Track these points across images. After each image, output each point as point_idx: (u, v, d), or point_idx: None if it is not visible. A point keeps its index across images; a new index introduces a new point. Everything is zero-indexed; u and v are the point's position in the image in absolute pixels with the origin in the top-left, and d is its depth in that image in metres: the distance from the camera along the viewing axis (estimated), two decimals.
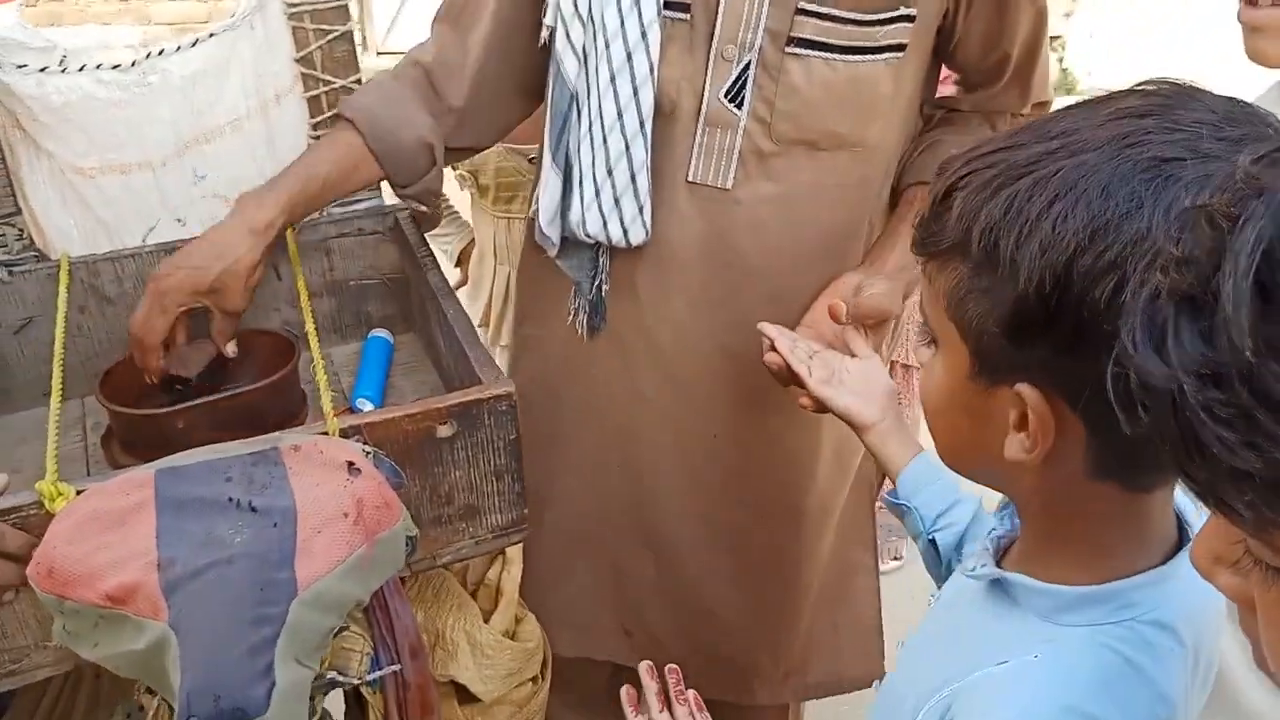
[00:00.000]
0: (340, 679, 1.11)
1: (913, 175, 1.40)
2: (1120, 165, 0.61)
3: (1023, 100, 1.43)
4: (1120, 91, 0.67)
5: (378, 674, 1.13)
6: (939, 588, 1.09)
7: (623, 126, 1.24)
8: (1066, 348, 0.63)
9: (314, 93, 1.47)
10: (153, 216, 1.44)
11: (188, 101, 1.38)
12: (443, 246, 2.45)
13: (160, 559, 0.90)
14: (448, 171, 2.35)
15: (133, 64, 1.30)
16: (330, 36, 1.44)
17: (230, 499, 0.95)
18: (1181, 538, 0.74)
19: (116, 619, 0.89)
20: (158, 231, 1.45)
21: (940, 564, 1.09)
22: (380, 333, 1.55)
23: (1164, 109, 0.62)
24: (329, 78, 1.46)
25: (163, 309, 1.25)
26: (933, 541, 1.09)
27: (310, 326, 1.28)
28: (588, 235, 1.31)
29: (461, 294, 2.42)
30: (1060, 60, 7.80)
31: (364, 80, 1.51)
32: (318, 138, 1.49)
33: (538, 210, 1.35)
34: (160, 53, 1.33)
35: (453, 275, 2.50)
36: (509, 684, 1.36)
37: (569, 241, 1.36)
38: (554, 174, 1.31)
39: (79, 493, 0.97)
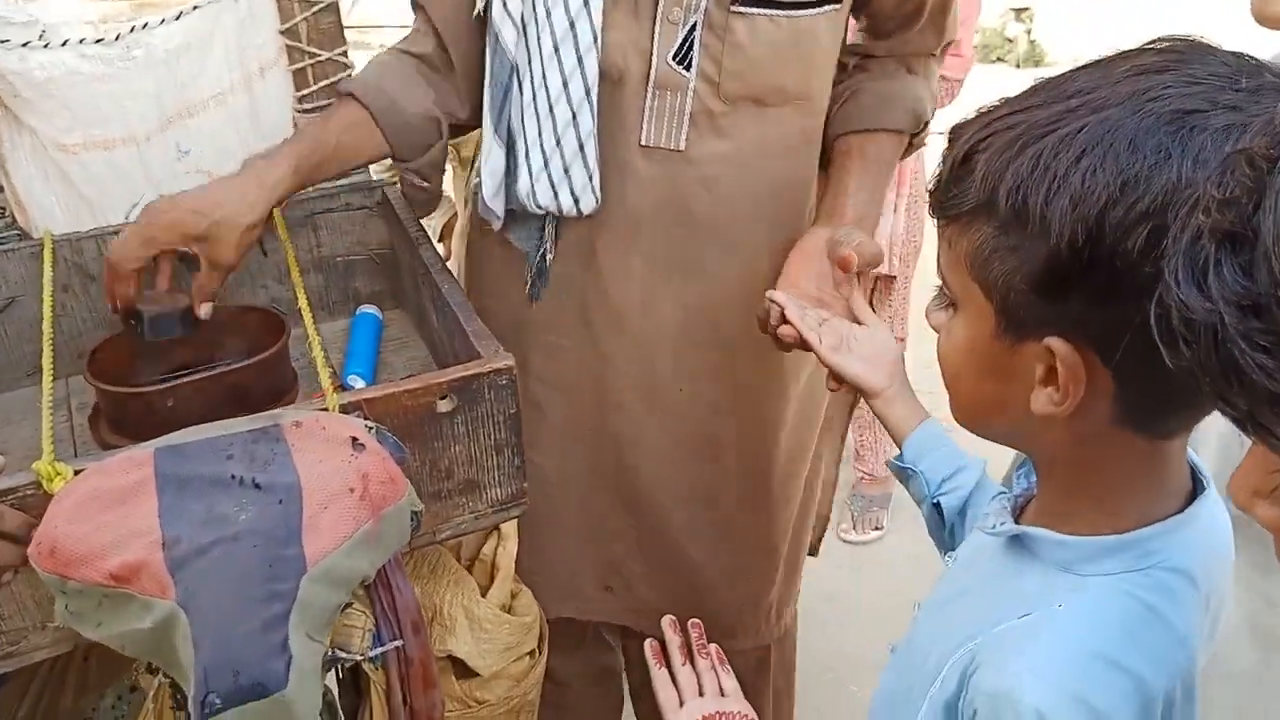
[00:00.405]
0: (343, 655, 1.11)
1: (841, 125, 1.41)
2: (1144, 119, 0.62)
3: (937, 41, 1.44)
4: (1131, 50, 0.68)
5: (381, 650, 1.13)
6: (941, 552, 1.11)
7: (568, 96, 1.23)
8: (1098, 300, 0.64)
9: (299, 65, 1.45)
10: (136, 193, 1.41)
11: (171, 75, 1.36)
12: (425, 223, 2.44)
13: (164, 537, 0.89)
14: None
15: (116, 37, 1.28)
16: (315, 8, 1.42)
17: (233, 476, 0.94)
18: (1195, 487, 0.75)
19: (121, 598, 0.88)
20: (141, 208, 1.43)
21: (944, 528, 1.10)
22: (369, 309, 1.54)
23: (1179, 64, 0.64)
24: (315, 50, 1.44)
25: (144, 240, 1.21)
26: (936, 505, 1.10)
27: (304, 302, 1.26)
28: (539, 206, 1.31)
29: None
30: (1029, 33, 7.83)
31: (349, 53, 1.49)
32: (304, 111, 1.47)
33: (479, 184, 1.35)
34: (144, 26, 1.30)
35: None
36: (507, 658, 1.36)
37: (515, 213, 1.36)
38: (497, 146, 1.30)
39: (77, 472, 0.95)
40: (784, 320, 1.21)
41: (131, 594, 0.87)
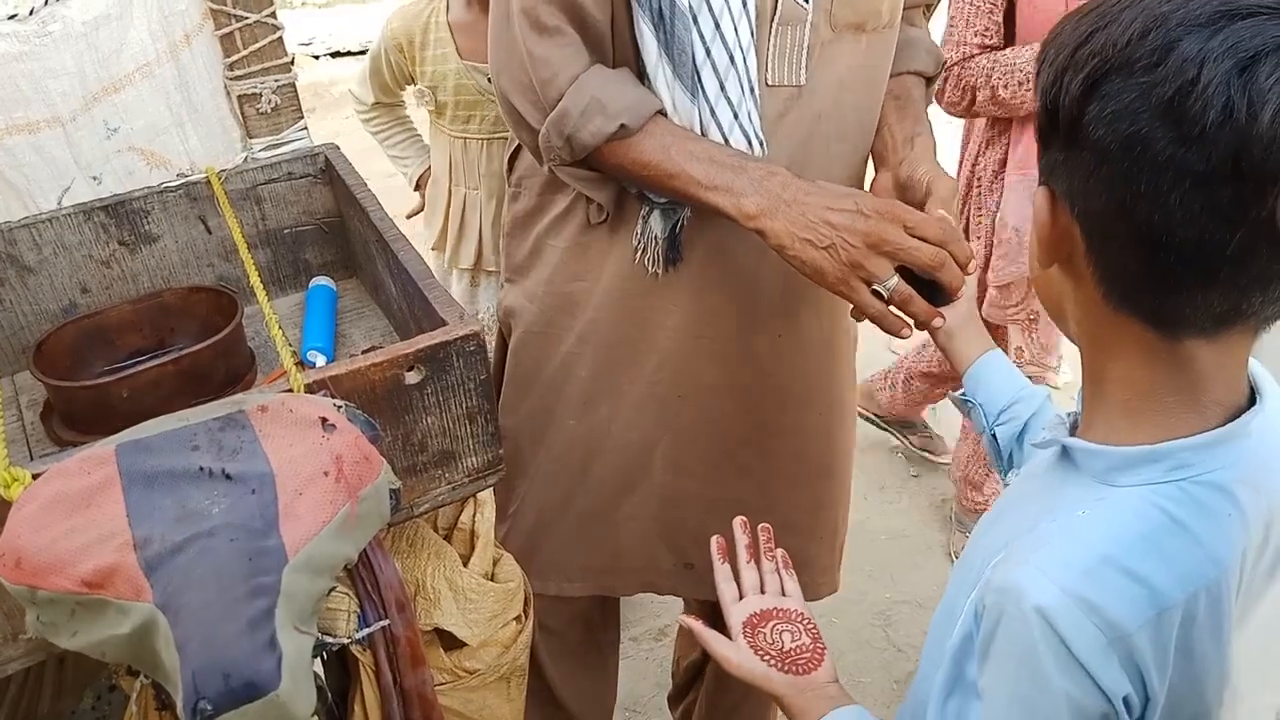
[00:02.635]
0: (329, 640, 1.08)
1: None
2: None
3: None
4: None
5: (367, 631, 1.10)
6: (1002, 478, 1.14)
7: (739, 41, 1.21)
8: (1062, 146, 0.69)
9: (226, 30, 1.38)
10: (66, 176, 1.35)
11: (92, 49, 1.29)
12: (402, 169, 2.37)
13: (135, 538, 0.85)
14: (409, 89, 2.25)
15: (30, 12, 1.21)
16: None
17: (201, 468, 0.90)
18: (1252, 405, 0.74)
19: (95, 604, 0.84)
20: (73, 192, 1.37)
21: (1001, 457, 1.12)
22: (322, 280, 1.49)
23: None
24: (241, 13, 1.37)
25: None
26: (994, 436, 1.12)
27: (255, 279, 1.21)
28: None
29: (420, 218, 2.35)
30: None
31: (277, 14, 1.43)
32: (235, 78, 1.41)
33: None
34: None
35: (413, 200, 2.42)
36: (494, 625, 1.34)
37: None
38: (694, 108, 1.25)
39: (35, 476, 0.91)
40: None
41: (106, 599, 0.84)
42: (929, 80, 1.46)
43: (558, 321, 1.47)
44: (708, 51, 1.20)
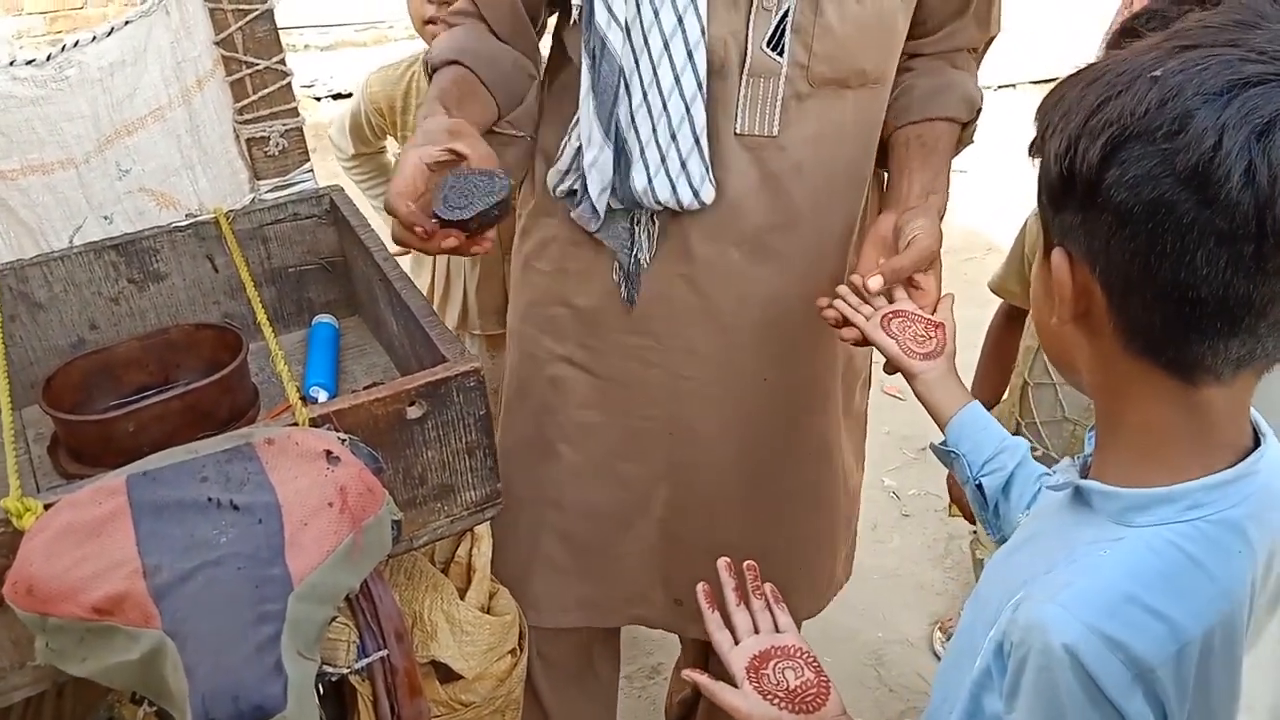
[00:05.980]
0: (330, 669, 1.11)
1: (898, 118, 1.43)
2: (1156, 54, 0.67)
3: (982, 34, 1.47)
4: None
5: (366, 661, 1.13)
6: (987, 531, 1.16)
7: (681, 91, 1.25)
8: (1078, 209, 0.71)
9: (237, 76, 1.42)
10: (78, 216, 1.39)
11: (106, 94, 1.33)
12: (385, 220, 2.36)
13: (145, 566, 0.88)
14: (390, 144, 2.23)
15: (48, 58, 1.25)
16: (250, 17, 1.39)
17: (210, 499, 0.93)
18: (1257, 447, 0.77)
19: (105, 631, 0.87)
20: (84, 231, 1.40)
21: (987, 507, 1.14)
22: (325, 318, 1.52)
23: (1241, 27, 0.67)
24: (252, 59, 1.41)
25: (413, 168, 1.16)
26: (979, 487, 1.13)
27: (262, 316, 1.25)
28: (657, 202, 1.31)
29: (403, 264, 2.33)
30: None
31: (285, 60, 1.47)
32: (244, 123, 1.45)
33: (582, 188, 1.34)
34: (75, 44, 1.27)
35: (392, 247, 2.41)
36: (489, 658, 1.36)
37: (609, 212, 1.37)
38: (606, 148, 1.30)
39: (47, 506, 0.94)
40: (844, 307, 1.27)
41: (116, 626, 0.86)
42: (964, 125, 1.46)
43: (542, 344, 1.51)
44: (644, 96, 1.25)
